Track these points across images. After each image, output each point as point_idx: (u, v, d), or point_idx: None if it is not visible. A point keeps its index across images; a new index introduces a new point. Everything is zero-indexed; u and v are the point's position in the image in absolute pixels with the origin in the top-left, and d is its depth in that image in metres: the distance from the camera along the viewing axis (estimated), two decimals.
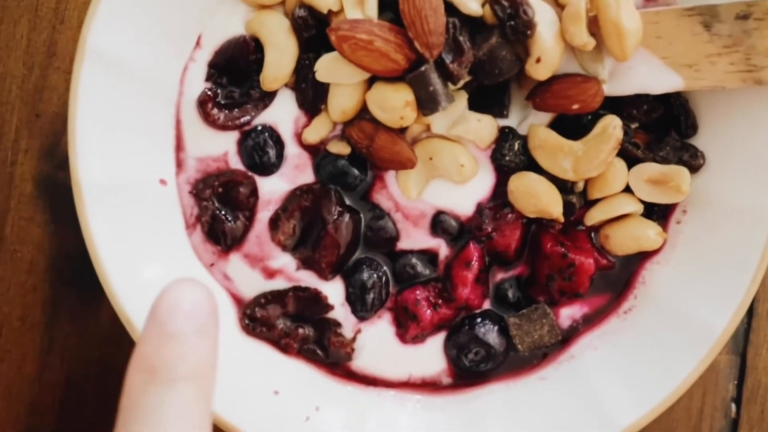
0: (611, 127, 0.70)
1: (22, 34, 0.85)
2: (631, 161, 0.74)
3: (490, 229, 0.74)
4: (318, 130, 0.74)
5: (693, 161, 0.73)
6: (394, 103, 0.68)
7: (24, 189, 0.84)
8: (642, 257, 0.76)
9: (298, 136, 0.75)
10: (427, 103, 0.68)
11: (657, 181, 0.73)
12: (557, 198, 0.72)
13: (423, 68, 0.67)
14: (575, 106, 0.70)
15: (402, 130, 0.72)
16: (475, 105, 0.73)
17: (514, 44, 0.68)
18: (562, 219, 0.73)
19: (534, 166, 0.73)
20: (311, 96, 0.73)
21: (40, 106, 0.84)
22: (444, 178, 0.74)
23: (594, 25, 0.68)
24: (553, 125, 0.74)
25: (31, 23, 0.85)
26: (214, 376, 0.49)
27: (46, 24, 0.85)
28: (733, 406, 0.84)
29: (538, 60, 0.68)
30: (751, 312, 0.83)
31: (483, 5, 0.68)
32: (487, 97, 0.73)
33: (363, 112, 0.72)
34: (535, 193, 0.72)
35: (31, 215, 0.84)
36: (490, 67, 0.69)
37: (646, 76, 0.70)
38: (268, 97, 0.75)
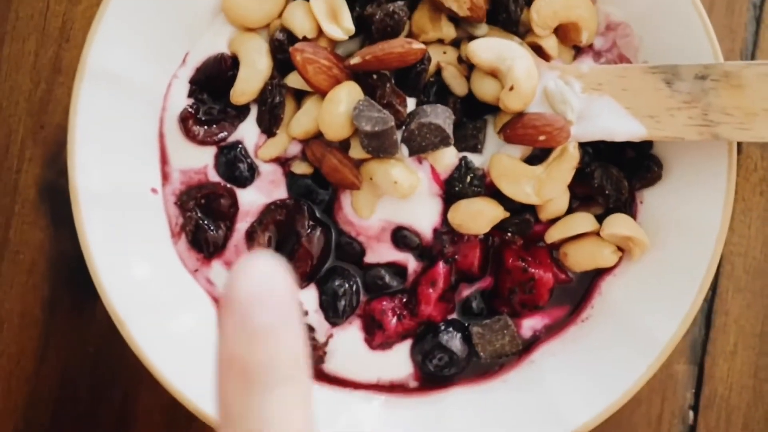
0: (570, 146, 0.74)
1: (30, 51, 0.90)
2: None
3: (451, 252, 0.78)
4: (271, 149, 0.78)
5: (648, 174, 0.78)
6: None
7: (28, 195, 0.89)
8: (600, 272, 0.80)
9: None
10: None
11: None
12: (497, 207, 0.76)
13: None
14: (542, 138, 0.73)
15: (347, 149, 0.75)
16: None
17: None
18: (509, 215, 0.77)
19: (494, 195, 0.77)
20: (267, 119, 0.77)
21: (44, 118, 0.89)
22: (388, 195, 0.76)
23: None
24: None
25: (38, 41, 0.90)
26: (309, 372, 0.43)
27: (53, 42, 0.90)
28: (691, 414, 0.86)
29: (512, 88, 0.72)
30: (708, 323, 0.87)
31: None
32: (463, 133, 0.77)
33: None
34: (478, 213, 0.75)
35: (33, 219, 0.89)
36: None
37: (612, 122, 0.74)
38: (242, 114, 0.78)
